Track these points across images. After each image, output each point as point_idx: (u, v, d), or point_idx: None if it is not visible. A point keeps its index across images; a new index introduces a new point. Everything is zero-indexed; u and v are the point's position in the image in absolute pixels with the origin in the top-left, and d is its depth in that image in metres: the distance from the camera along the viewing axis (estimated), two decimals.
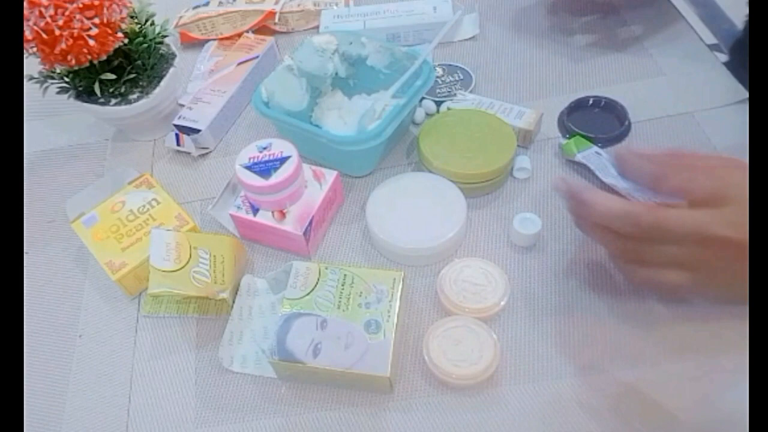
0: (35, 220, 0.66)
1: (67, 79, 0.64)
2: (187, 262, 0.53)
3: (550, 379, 0.49)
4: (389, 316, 0.48)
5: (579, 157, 0.59)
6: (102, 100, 0.64)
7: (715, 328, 0.49)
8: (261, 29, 0.81)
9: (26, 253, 0.63)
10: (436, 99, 0.68)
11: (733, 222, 0.42)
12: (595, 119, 0.64)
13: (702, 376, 0.47)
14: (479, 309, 0.50)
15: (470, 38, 0.77)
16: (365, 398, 0.49)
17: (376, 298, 0.49)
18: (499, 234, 0.58)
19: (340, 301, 0.49)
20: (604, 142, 0.62)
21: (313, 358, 0.47)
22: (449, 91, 0.69)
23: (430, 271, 0.56)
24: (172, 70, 0.67)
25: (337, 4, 0.82)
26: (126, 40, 0.61)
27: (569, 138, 0.61)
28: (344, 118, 0.66)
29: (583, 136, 0.61)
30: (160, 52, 0.68)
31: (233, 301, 0.55)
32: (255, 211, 0.57)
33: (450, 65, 0.72)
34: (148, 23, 0.66)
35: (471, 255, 0.56)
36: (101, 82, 0.62)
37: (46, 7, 0.54)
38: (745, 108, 0.63)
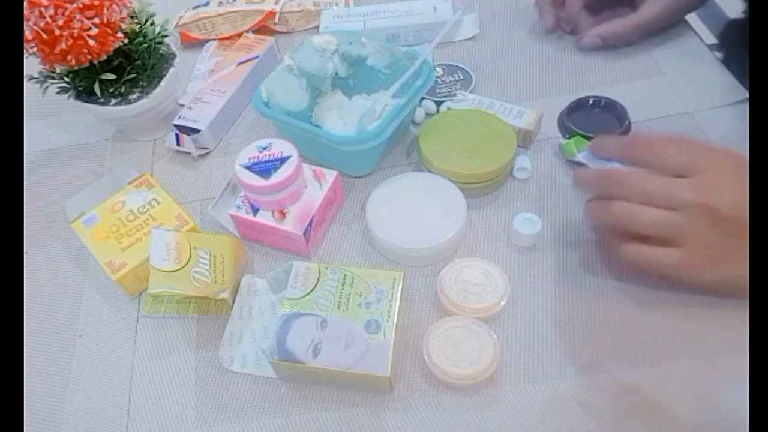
0: (35, 220, 0.66)
1: (67, 79, 0.64)
2: (187, 262, 0.53)
3: (550, 379, 0.49)
4: (389, 316, 0.48)
5: (579, 157, 0.59)
6: (102, 100, 0.64)
7: (715, 328, 0.49)
8: (261, 29, 0.81)
9: (26, 253, 0.63)
10: (436, 99, 0.68)
11: (704, 187, 0.44)
12: (595, 119, 0.64)
13: (702, 376, 0.47)
14: (479, 309, 0.50)
15: (470, 38, 0.77)
16: (365, 398, 0.49)
17: (376, 298, 0.49)
18: (499, 234, 0.58)
19: (340, 301, 0.49)
20: None
21: (313, 358, 0.47)
22: (449, 91, 0.69)
23: (430, 271, 0.56)
24: (172, 70, 0.67)
25: (337, 4, 0.82)
26: (126, 40, 0.61)
27: (569, 138, 0.61)
28: (344, 118, 0.66)
29: (583, 136, 0.61)
30: (160, 52, 0.68)
31: (233, 301, 0.55)
32: (255, 211, 0.57)
33: (450, 65, 0.72)
34: (148, 23, 0.66)
35: (471, 255, 0.56)
36: (101, 82, 0.62)
37: (46, 7, 0.54)
38: (745, 108, 0.63)
